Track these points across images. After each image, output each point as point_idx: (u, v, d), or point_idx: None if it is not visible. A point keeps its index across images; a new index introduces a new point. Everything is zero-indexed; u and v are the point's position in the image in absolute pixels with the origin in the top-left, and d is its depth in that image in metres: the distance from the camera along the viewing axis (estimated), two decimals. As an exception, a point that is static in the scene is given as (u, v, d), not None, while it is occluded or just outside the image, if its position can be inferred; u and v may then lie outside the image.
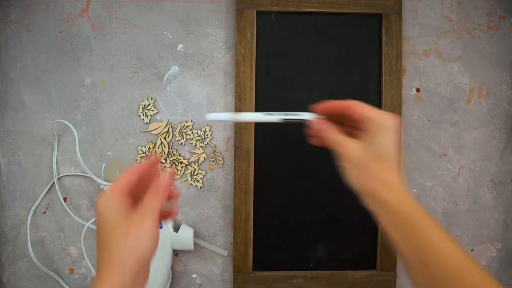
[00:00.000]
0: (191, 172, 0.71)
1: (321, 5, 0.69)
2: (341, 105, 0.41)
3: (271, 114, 0.43)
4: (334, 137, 0.40)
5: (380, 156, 0.38)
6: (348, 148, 0.39)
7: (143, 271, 0.37)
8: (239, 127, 0.69)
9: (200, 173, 0.71)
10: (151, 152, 0.69)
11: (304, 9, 0.69)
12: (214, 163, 0.71)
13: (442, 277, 0.35)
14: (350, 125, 0.42)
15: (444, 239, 0.36)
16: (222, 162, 0.71)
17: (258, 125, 0.69)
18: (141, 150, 0.71)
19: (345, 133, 0.41)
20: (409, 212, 0.37)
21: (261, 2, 0.68)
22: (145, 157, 0.46)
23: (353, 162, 0.39)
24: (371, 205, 0.39)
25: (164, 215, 0.44)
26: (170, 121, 0.71)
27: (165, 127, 0.71)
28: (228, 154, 0.71)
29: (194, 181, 0.71)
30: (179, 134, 0.71)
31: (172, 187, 0.42)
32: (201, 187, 0.71)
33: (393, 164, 0.38)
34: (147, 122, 0.71)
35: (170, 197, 0.43)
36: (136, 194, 0.41)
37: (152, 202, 0.39)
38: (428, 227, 0.37)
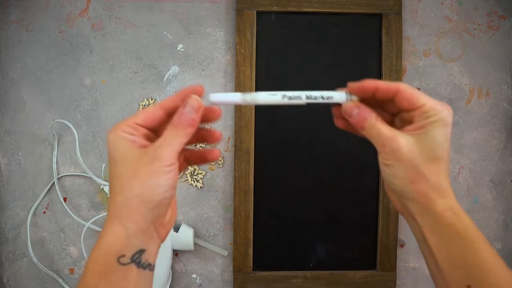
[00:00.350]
0: (191, 172, 0.71)
1: (321, 5, 0.69)
2: (387, 87, 0.33)
3: (293, 97, 0.34)
4: (382, 128, 0.32)
5: (434, 156, 0.31)
6: (399, 144, 0.31)
7: (156, 220, 0.31)
8: (239, 127, 0.69)
9: (200, 173, 0.71)
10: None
11: (304, 9, 0.69)
12: (214, 163, 0.71)
13: None
14: (389, 111, 0.35)
15: (499, 266, 0.30)
16: (222, 162, 0.71)
17: (258, 125, 0.69)
18: (141, 150, 0.70)
19: (385, 121, 0.33)
20: (461, 227, 0.31)
21: (261, 2, 0.68)
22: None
23: (404, 161, 0.31)
24: (414, 212, 0.33)
25: (201, 157, 0.36)
26: (170, 121, 0.71)
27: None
28: (228, 154, 0.71)
29: (194, 181, 0.71)
30: (179, 134, 0.71)
31: (209, 126, 0.31)
32: (201, 187, 0.71)
33: (446, 166, 0.32)
34: (147, 122, 0.71)
35: (208, 138, 0.35)
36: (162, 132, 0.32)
37: (171, 135, 0.30)
38: (483, 249, 0.30)
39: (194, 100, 0.31)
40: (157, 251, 0.32)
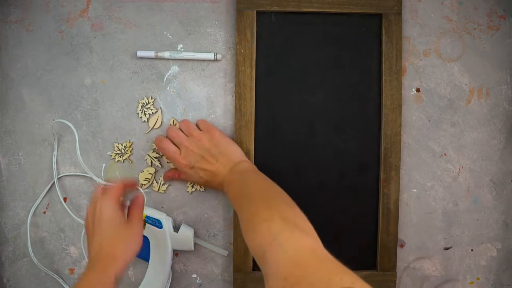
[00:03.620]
0: (191, 172, 0.71)
1: (321, 5, 0.69)
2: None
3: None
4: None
5: None
6: None
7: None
8: (239, 127, 0.69)
9: (200, 173, 0.71)
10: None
11: (304, 9, 0.69)
12: (214, 163, 0.71)
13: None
14: None
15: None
16: (222, 162, 0.71)
17: (258, 125, 0.69)
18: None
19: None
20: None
21: (261, 2, 0.68)
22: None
23: None
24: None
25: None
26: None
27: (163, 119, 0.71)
28: (228, 154, 0.71)
29: (194, 181, 0.71)
30: (179, 134, 0.71)
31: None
32: (201, 187, 0.71)
33: None
34: (144, 121, 0.71)
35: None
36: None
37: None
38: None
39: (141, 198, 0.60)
40: None
